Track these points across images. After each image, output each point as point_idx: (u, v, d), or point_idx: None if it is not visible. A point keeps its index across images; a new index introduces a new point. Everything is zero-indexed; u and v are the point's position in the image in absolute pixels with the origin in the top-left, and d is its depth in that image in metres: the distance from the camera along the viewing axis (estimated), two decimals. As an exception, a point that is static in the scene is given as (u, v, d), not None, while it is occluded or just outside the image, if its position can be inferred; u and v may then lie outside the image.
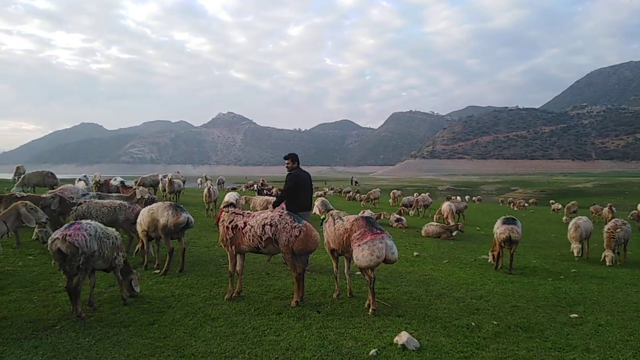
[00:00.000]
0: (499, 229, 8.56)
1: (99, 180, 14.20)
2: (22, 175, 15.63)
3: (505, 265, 8.66)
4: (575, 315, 5.63)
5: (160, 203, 7.33)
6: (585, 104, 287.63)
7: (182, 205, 7.27)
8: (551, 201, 32.76)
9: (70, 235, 4.78)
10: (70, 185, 10.84)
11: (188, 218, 7.00)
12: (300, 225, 5.54)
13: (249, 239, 5.69)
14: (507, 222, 8.61)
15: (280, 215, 5.65)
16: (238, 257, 5.96)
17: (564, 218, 21.55)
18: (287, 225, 5.54)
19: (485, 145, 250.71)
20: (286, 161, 7.42)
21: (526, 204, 33.65)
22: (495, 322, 5.20)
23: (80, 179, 15.69)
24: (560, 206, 24.49)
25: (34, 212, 7.65)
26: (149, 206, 7.40)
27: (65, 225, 5.12)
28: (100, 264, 5.20)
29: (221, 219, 6.05)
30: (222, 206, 6.28)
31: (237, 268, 5.95)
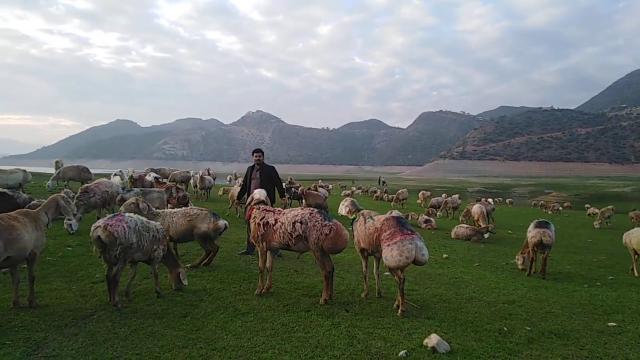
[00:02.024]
0: (531, 232, 8.36)
1: (133, 176, 14.62)
2: (58, 170, 16.19)
3: (538, 270, 8.44)
4: (614, 323, 5.44)
5: (196, 210, 7.45)
6: (624, 105, 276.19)
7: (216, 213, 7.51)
8: (586, 205, 31.68)
9: (111, 225, 4.97)
10: (105, 179, 11.18)
11: (225, 224, 7.46)
12: (331, 223, 5.56)
13: (280, 236, 5.75)
14: (539, 225, 8.39)
15: (311, 213, 5.69)
16: (268, 253, 6.03)
17: (596, 223, 20.80)
18: (317, 223, 5.57)
19: (518, 147, 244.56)
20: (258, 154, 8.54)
21: (560, 208, 32.65)
22: (528, 328, 5.08)
23: (115, 174, 16.15)
24: (596, 210, 23.62)
25: (69, 204, 7.97)
26: (182, 211, 7.48)
27: (110, 215, 5.34)
28: (139, 255, 5.38)
29: (252, 216, 6.13)
30: (252, 203, 6.36)
31: (267, 264, 6.02)
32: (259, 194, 6.45)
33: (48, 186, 15.25)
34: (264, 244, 5.93)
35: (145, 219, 5.56)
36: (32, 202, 8.86)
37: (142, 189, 10.98)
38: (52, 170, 19.61)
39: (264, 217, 5.98)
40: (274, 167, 8.74)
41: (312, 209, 5.93)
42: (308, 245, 5.66)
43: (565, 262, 10.02)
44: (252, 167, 8.62)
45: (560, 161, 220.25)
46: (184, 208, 7.84)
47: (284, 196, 8.79)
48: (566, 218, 25.50)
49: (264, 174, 8.42)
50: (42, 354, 3.84)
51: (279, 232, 5.75)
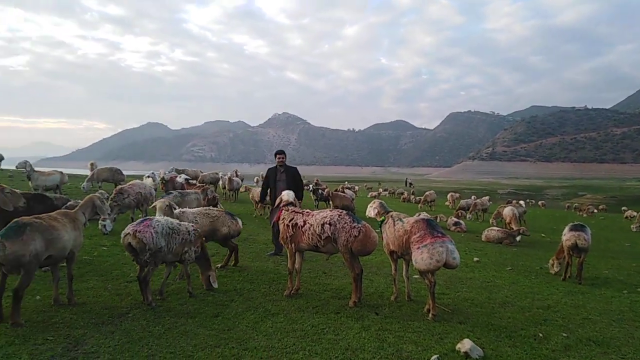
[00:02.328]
0: (566, 236, 8.11)
1: (165, 177, 14.93)
2: (93, 171, 16.67)
3: (573, 275, 8.18)
4: (656, 332, 5.22)
5: (215, 212, 7.44)
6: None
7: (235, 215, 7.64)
8: (623, 208, 30.49)
9: (139, 232, 5.12)
10: (138, 181, 11.47)
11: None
12: (360, 225, 5.54)
13: (308, 238, 5.77)
14: (575, 228, 8.14)
15: (340, 215, 5.68)
16: (297, 255, 6.06)
17: (634, 226, 19.99)
18: (346, 225, 5.56)
19: (550, 148, 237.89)
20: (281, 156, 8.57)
21: (595, 210, 31.56)
22: (564, 334, 4.93)
23: (148, 176, 16.55)
24: (634, 213, 22.71)
25: (104, 204, 8.21)
26: (203, 212, 7.42)
27: (138, 220, 5.47)
28: (170, 257, 5.53)
29: (281, 217, 6.17)
30: (281, 205, 6.40)
31: (296, 266, 6.05)
32: (287, 195, 6.49)
33: (83, 187, 15.74)
34: (293, 245, 5.95)
35: (175, 222, 5.68)
36: (69, 202, 9.17)
37: (180, 191, 11.24)
38: (87, 172, 20.25)
39: (293, 218, 6.00)
40: (296, 169, 8.74)
41: (340, 210, 5.92)
42: (337, 247, 5.65)
43: (602, 267, 9.67)
44: (275, 169, 8.59)
45: (595, 162, 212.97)
46: (202, 208, 7.88)
47: (301, 199, 8.72)
48: (602, 221, 24.62)
49: (289, 176, 8.43)
50: (81, 351, 3.97)
51: (308, 234, 5.77)
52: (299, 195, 8.29)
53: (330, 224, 5.62)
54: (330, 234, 5.60)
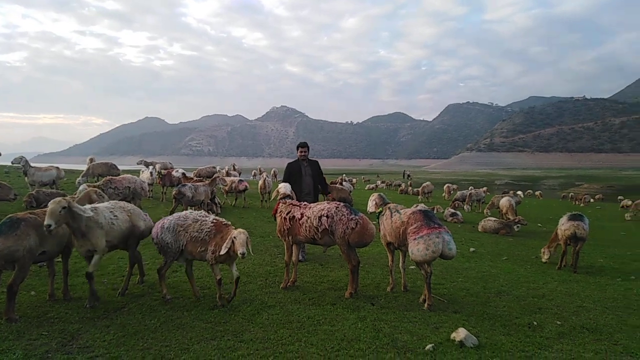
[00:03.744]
0: (564, 225, 8.14)
1: (160, 172, 14.92)
2: (88, 167, 16.62)
3: (568, 263, 8.22)
4: (650, 319, 5.25)
5: (130, 205, 5.93)
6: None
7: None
8: (619, 197, 30.55)
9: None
10: (130, 175, 11.39)
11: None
12: (357, 217, 5.55)
13: (306, 230, 5.77)
14: (573, 218, 8.17)
15: (337, 207, 5.68)
16: (294, 247, 6.07)
17: (628, 215, 20.07)
18: (343, 217, 5.56)
19: (548, 138, 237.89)
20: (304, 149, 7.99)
21: (591, 200, 31.62)
22: (559, 322, 4.96)
23: (143, 170, 16.54)
24: (630, 202, 22.77)
25: (102, 198, 8.21)
26: (119, 205, 6.54)
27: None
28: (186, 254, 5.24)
29: (279, 210, 6.17)
30: (278, 198, 6.39)
31: (293, 258, 6.07)
32: (284, 188, 6.48)
33: (79, 182, 15.70)
34: (290, 237, 5.96)
35: (191, 218, 5.30)
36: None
37: (194, 184, 11.35)
38: (84, 167, 20.20)
39: (290, 211, 6.01)
40: (318, 162, 8.32)
41: (338, 202, 5.93)
42: (334, 239, 5.66)
43: (597, 256, 9.72)
44: (298, 163, 7.97)
45: (592, 152, 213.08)
46: (115, 202, 6.02)
47: (328, 192, 8.38)
48: (598, 210, 24.70)
49: (314, 169, 8.01)
50: (76, 345, 3.97)
51: (305, 226, 5.77)
52: (325, 189, 8.17)
53: (327, 217, 5.62)
54: (327, 227, 5.61)
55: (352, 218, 5.54)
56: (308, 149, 8.06)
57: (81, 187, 9.41)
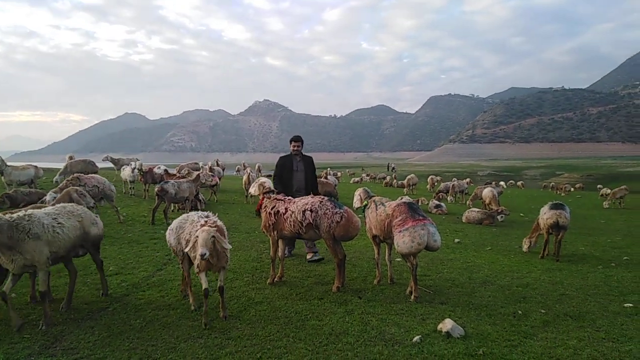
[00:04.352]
0: (547, 214, 8.27)
1: (141, 169, 14.62)
2: (65, 164, 16.23)
3: (551, 252, 8.37)
4: (630, 304, 5.37)
5: (79, 208, 5.24)
6: (637, 82, 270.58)
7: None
8: (599, 186, 31.24)
9: None
10: (98, 176, 10.70)
11: None
12: (342, 211, 5.55)
13: (290, 225, 5.75)
14: (554, 207, 8.30)
15: (321, 202, 5.67)
16: (280, 242, 6.04)
17: (605, 203, 20.56)
18: (327, 211, 5.55)
19: (528, 129, 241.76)
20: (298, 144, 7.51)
21: (572, 189, 32.27)
22: (543, 311, 5.04)
23: (124, 167, 16.26)
24: (609, 191, 23.31)
25: (84, 197, 8.03)
26: (64, 210, 6.19)
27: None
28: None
29: (263, 205, 6.13)
30: (262, 193, 6.35)
31: (279, 254, 6.05)
32: (267, 183, 6.44)
33: (56, 181, 15.36)
34: (275, 233, 5.93)
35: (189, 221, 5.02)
36: (45, 197, 8.95)
37: (177, 180, 11.11)
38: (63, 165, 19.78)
39: (275, 206, 5.97)
40: (311, 157, 7.80)
41: (322, 197, 5.91)
42: (319, 234, 5.65)
43: (579, 244, 9.92)
44: (291, 157, 7.50)
45: (572, 142, 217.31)
46: (59, 205, 5.33)
47: (317, 193, 7.44)
48: (578, 199, 25.22)
49: (307, 165, 7.54)
50: (60, 347, 3.89)
51: (290, 221, 5.75)
52: (315, 187, 7.62)
53: (311, 211, 5.60)
54: (311, 221, 5.59)
55: (336, 212, 5.53)
56: (302, 143, 7.56)
57: (48, 197, 8.72)
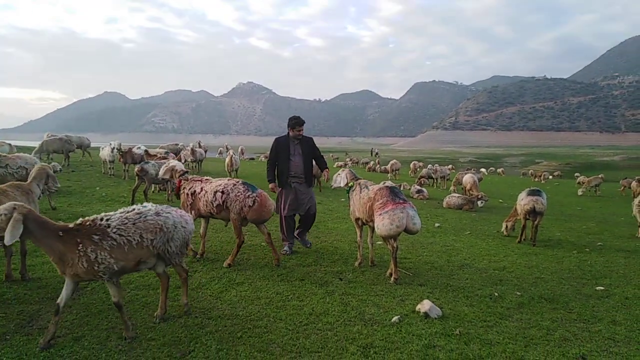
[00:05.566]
0: (524, 200, 8.42)
1: (120, 148, 14.27)
2: (41, 143, 15.73)
3: (528, 237, 8.56)
4: (601, 288, 5.55)
5: (24, 185, 5.34)
6: (617, 74, 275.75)
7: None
8: (576, 174, 31.99)
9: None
10: (26, 155, 9.70)
11: None
12: (254, 194, 5.68)
13: (204, 205, 5.90)
14: (532, 193, 8.46)
15: (234, 184, 5.81)
16: (202, 221, 6.26)
17: (580, 191, 21.07)
18: (239, 194, 5.69)
19: (510, 117, 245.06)
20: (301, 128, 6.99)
21: (550, 177, 32.94)
22: (518, 293, 5.17)
23: (104, 147, 15.90)
24: (585, 179, 23.90)
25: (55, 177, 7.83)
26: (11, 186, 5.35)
27: None
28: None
29: (182, 187, 6.27)
30: (177, 176, 6.50)
31: (201, 231, 6.24)
32: (179, 166, 6.83)
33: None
34: (193, 212, 6.03)
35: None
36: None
37: (158, 161, 10.88)
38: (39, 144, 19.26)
39: (192, 186, 6.12)
40: (312, 138, 7.28)
41: (237, 179, 6.04)
42: (229, 215, 5.81)
43: (555, 230, 10.16)
44: (287, 139, 6.95)
45: (552, 131, 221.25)
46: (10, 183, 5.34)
47: (327, 168, 7.24)
48: (556, 187, 25.76)
49: (306, 148, 6.98)
50: (36, 326, 3.84)
51: (203, 200, 5.90)
52: (323, 166, 7.23)
53: (222, 192, 5.75)
54: (221, 202, 5.73)
55: (249, 195, 5.66)
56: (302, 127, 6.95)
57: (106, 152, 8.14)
